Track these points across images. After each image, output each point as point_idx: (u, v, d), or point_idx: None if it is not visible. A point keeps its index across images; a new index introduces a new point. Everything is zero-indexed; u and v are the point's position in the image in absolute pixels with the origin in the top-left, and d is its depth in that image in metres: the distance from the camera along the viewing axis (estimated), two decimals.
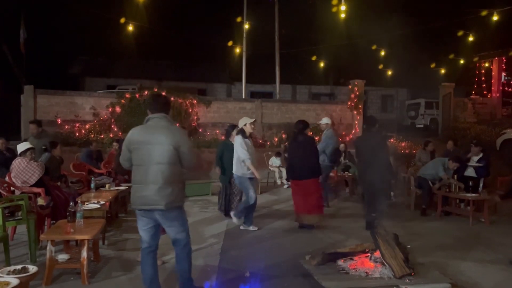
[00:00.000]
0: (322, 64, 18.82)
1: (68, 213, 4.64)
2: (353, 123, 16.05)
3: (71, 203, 4.86)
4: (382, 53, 17.15)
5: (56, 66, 21.55)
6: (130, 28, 13.57)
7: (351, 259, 4.54)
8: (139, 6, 12.99)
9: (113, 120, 13.18)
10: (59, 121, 12.71)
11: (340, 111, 16.12)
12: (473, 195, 7.42)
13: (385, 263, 4.22)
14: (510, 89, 20.42)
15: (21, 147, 6.22)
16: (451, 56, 18.01)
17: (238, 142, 6.47)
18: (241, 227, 6.58)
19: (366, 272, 4.23)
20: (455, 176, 7.82)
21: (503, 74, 19.95)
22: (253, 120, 6.71)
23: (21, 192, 5.79)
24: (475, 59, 19.35)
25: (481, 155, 8.51)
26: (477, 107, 18.66)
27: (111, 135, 12.39)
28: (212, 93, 22.94)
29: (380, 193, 6.27)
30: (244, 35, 17.01)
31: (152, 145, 3.51)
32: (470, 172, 8.43)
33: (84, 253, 4.19)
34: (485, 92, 20.29)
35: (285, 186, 11.02)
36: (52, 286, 4.20)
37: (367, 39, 17.01)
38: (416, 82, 22.61)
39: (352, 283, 4.03)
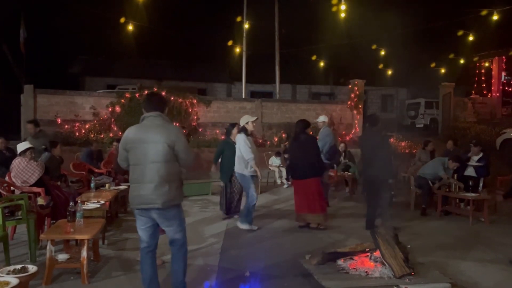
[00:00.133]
0: (322, 64, 18.80)
1: (68, 213, 4.64)
2: (353, 122, 16.06)
3: (71, 202, 4.85)
4: (382, 52, 17.13)
5: (56, 66, 21.57)
6: (130, 27, 13.57)
7: (351, 258, 4.54)
8: (139, 6, 13.00)
9: (113, 119, 13.18)
10: (59, 120, 12.71)
11: (340, 111, 16.13)
12: (473, 194, 7.42)
13: (385, 263, 4.22)
14: (510, 89, 20.43)
15: (21, 146, 6.23)
16: (451, 55, 18.00)
17: (241, 139, 6.43)
18: (241, 227, 6.56)
19: (366, 272, 4.23)
20: (455, 176, 7.83)
21: (503, 73, 19.95)
22: (255, 118, 6.69)
23: (21, 191, 5.79)
24: (475, 58, 19.34)
25: (481, 154, 8.52)
26: (477, 107, 18.66)
27: (111, 135, 12.39)
28: (212, 93, 22.91)
29: (382, 188, 6.27)
30: (244, 35, 17.00)
31: (147, 143, 3.50)
32: (470, 171, 8.43)
33: (84, 253, 4.19)
34: (485, 92, 20.29)
35: (285, 186, 11.02)
36: (52, 285, 4.20)
37: (367, 38, 16.99)
38: (416, 81, 22.64)
39: (352, 283, 4.03)
